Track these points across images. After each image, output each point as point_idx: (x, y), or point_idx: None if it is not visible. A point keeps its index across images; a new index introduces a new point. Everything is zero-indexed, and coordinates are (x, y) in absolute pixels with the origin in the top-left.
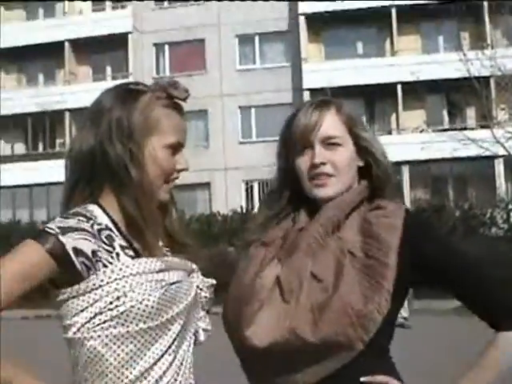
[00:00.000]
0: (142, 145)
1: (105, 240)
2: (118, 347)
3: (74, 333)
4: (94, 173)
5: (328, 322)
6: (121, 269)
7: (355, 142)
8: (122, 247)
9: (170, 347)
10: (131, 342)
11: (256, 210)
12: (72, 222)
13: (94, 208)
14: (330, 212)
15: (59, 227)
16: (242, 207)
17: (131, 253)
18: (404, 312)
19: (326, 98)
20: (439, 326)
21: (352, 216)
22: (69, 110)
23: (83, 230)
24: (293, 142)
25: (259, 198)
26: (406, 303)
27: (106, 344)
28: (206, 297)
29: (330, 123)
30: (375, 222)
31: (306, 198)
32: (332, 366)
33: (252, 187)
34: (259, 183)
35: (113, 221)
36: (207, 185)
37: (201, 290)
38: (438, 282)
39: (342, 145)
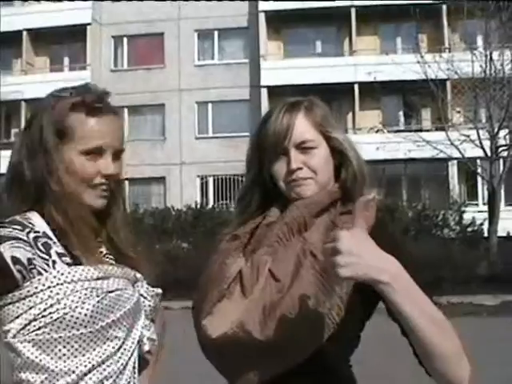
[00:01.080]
0: (57, 154)
1: (41, 247)
2: (52, 351)
3: (11, 337)
4: (22, 186)
5: (276, 321)
6: (55, 276)
7: (327, 142)
8: (59, 254)
9: (110, 355)
10: (64, 347)
11: (210, 205)
12: (7, 231)
13: (32, 215)
14: (296, 211)
15: None
16: (196, 202)
17: (68, 260)
18: None
19: (296, 99)
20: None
21: (321, 217)
22: (25, 101)
23: (18, 238)
24: (266, 148)
25: (214, 194)
26: None
27: (40, 347)
28: (150, 305)
29: (302, 127)
30: (341, 227)
31: (279, 194)
32: (283, 365)
33: (207, 182)
34: (214, 179)
35: (52, 228)
36: (162, 179)
37: (145, 298)
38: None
39: (317, 147)
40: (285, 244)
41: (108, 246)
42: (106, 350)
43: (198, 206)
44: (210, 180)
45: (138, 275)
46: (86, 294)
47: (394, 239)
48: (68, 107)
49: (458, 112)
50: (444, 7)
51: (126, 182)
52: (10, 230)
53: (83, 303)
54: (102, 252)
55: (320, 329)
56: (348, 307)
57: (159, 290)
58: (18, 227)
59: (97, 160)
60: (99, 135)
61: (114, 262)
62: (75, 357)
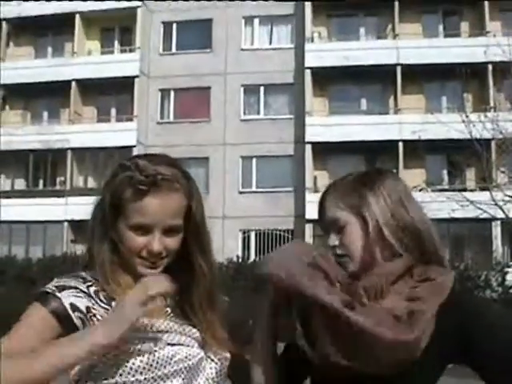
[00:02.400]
0: (113, 225)
1: (102, 299)
2: None
3: (74, 380)
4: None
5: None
6: None
7: (362, 219)
8: None
9: None
10: None
11: (251, 259)
12: (66, 281)
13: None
14: (375, 279)
15: (55, 286)
16: (238, 256)
17: None
18: None
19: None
20: None
21: (398, 285)
22: (71, 149)
23: (76, 288)
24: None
25: (255, 248)
26: None
27: None
28: (216, 368)
29: (331, 208)
30: (421, 291)
31: None
32: None
33: (249, 237)
34: (256, 233)
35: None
36: None
37: (212, 360)
38: (479, 371)
39: (345, 226)
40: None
41: (177, 311)
42: None
43: (240, 260)
44: (252, 234)
45: (208, 339)
46: (144, 343)
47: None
48: (124, 181)
49: (503, 172)
50: (489, 67)
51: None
52: (71, 279)
53: (140, 350)
54: (166, 311)
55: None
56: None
57: (227, 354)
58: (80, 280)
59: (143, 235)
60: (143, 214)
61: (177, 321)
62: None
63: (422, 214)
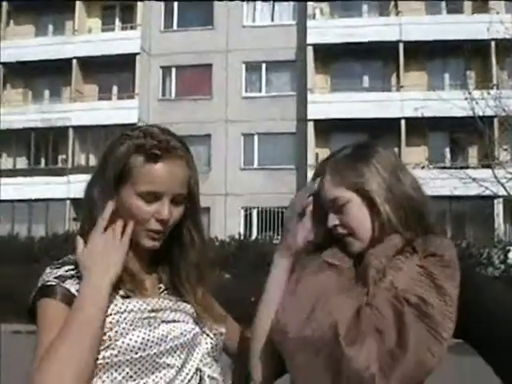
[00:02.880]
0: (117, 193)
1: None
2: (105, 375)
3: None
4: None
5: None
6: (109, 306)
7: (361, 195)
8: (113, 287)
9: None
10: (116, 371)
11: (253, 237)
12: (62, 272)
13: None
14: (375, 261)
15: (56, 277)
16: (240, 234)
17: (122, 292)
18: None
19: (328, 156)
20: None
21: (407, 263)
22: (73, 127)
23: (73, 276)
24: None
25: (257, 225)
26: None
27: (95, 373)
28: (211, 343)
29: (329, 187)
30: (435, 271)
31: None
32: None
33: (251, 214)
34: (258, 210)
35: None
36: (207, 209)
37: (207, 335)
38: (473, 345)
39: (346, 204)
40: (374, 294)
41: (169, 285)
42: (158, 377)
43: (242, 238)
44: (254, 212)
45: (202, 313)
46: (137, 322)
47: (494, 311)
48: (132, 148)
49: (505, 150)
50: (493, 44)
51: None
52: (66, 270)
53: (134, 330)
54: (160, 287)
55: (422, 379)
56: None
57: (223, 329)
58: (71, 267)
59: (152, 203)
60: (155, 181)
61: (171, 298)
62: (127, 381)
63: (416, 186)
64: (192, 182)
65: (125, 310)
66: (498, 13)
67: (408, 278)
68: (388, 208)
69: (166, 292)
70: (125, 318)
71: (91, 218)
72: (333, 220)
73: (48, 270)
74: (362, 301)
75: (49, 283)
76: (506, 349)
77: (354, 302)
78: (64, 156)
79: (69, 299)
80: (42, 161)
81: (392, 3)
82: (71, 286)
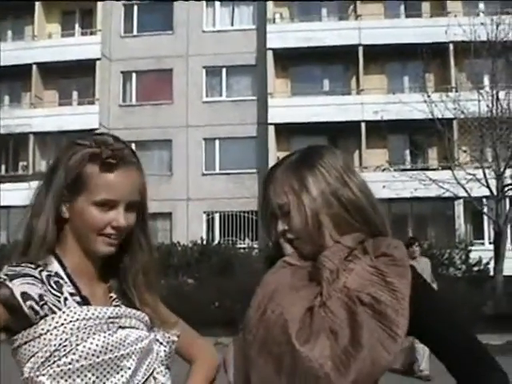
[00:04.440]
0: (71, 201)
1: (53, 285)
2: (67, 382)
3: (28, 373)
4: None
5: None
6: (68, 314)
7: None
8: (70, 294)
9: None
10: (78, 377)
11: (216, 241)
12: (19, 269)
13: (46, 257)
14: (329, 263)
15: (6, 274)
16: (202, 238)
17: (78, 299)
18: (425, 363)
19: (276, 163)
20: None
21: (357, 263)
22: (33, 134)
23: (30, 275)
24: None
25: (220, 230)
26: (427, 354)
27: (56, 380)
28: (165, 351)
29: (273, 194)
30: (386, 270)
31: None
32: None
33: (213, 218)
34: (220, 215)
35: (64, 269)
36: (169, 215)
37: (160, 343)
38: (420, 337)
39: (290, 210)
40: (329, 295)
41: (118, 293)
42: (117, 379)
43: (204, 242)
44: (217, 216)
45: (154, 321)
46: (96, 327)
47: (442, 311)
48: (86, 157)
49: (465, 151)
50: (451, 47)
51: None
52: (23, 267)
53: (94, 334)
54: (111, 297)
55: (380, 374)
56: None
57: (175, 338)
58: (31, 265)
59: (108, 211)
60: (111, 189)
61: (123, 306)
62: None
63: (363, 189)
64: (143, 190)
65: (84, 317)
66: (455, 16)
67: (360, 279)
68: (326, 211)
69: (116, 300)
70: (85, 325)
71: (32, 227)
72: (281, 226)
73: (6, 267)
74: (313, 301)
75: None
76: (456, 344)
77: (304, 302)
78: (25, 163)
79: (9, 301)
80: (3, 167)
81: (351, 7)
82: (18, 286)
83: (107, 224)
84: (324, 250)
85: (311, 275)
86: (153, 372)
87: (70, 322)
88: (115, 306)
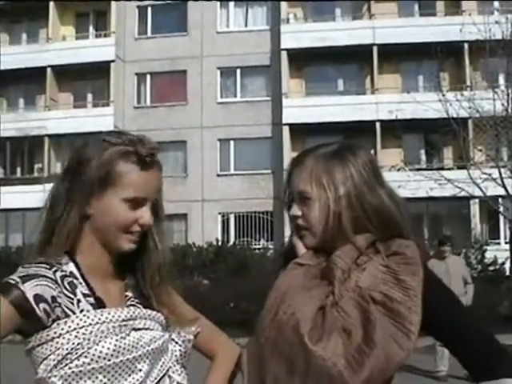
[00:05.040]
0: (99, 197)
1: (67, 286)
2: (77, 382)
3: (41, 374)
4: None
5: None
6: (81, 319)
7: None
8: (84, 294)
9: None
10: (90, 378)
11: (231, 242)
12: (32, 270)
13: (62, 256)
14: (341, 262)
15: (19, 276)
16: (217, 239)
17: (92, 300)
18: (443, 366)
19: (307, 149)
20: None
21: (370, 263)
22: (48, 136)
23: (44, 276)
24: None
25: (235, 231)
26: (446, 354)
27: (66, 380)
28: (180, 350)
29: (299, 178)
30: (398, 268)
31: None
32: None
33: (228, 219)
34: (235, 216)
35: (79, 269)
36: (184, 216)
37: (176, 343)
38: (433, 333)
39: (311, 199)
40: (342, 295)
41: (134, 291)
42: (130, 382)
43: (219, 243)
44: (232, 217)
45: (169, 320)
46: (109, 331)
47: (453, 306)
48: (119, 154)
49: (480, 150)
50: (466, 45)
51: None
52: (37, 268)
53: (106, 338)
54: (127, 296)
55: (392, 373)
56: None
57: (191, 336)
58: (45, 266)
59: (135, 209)
60: (145, 187)
61: (139, 306)
62: None
63: (389, 194)
64: (161, 190)
65: (97, 322)
66: (470, 14)
67: (372, 277)
68: (348, 213)
69: (132, 300)
70: (98, 329)
71: (54, 224)
72: (295, 211)
73: (20, 268)
74: (324, 300)
75: (10, 280)
76: (470, 339)
77: (316, 301)
78: (40, 165)
79: (21, 304)
80: (18, 170)
81: (365, 7)
82: (31, 288)
83: (134, 221)
84: (335, 248)
85: (323, 274)
86: (168, 371)
87: (83, 326)
88: (130, 305)
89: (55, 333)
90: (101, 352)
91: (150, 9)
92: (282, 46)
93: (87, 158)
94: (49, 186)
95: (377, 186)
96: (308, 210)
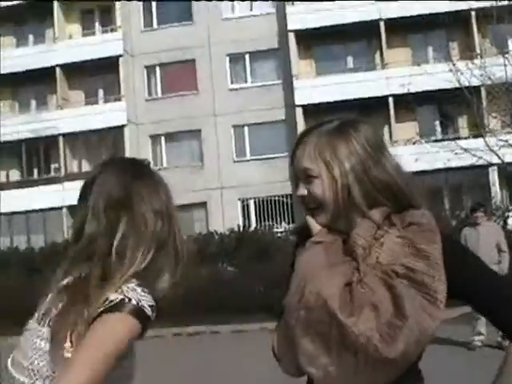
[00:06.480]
0: None
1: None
2: None
3: None
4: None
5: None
6: None
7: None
8: None
9: None
10: None
11: (252, 227)
12: (132, 287)
13: None
14: (361, 240)
15: (131, 296)
16: (238, 226)
17: None
18: (478, 334)
19: (312, 125)
20: None
21: (386, 237)
22: (62, 135)
23: (143, 290)
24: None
25: (255, 215)
26: (483, 321)
27: None
28: None
29: (301, 155)
30: (415, 238)
31: None
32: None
33: (248, 205)
34: (255, 201)
35: None
36: (203, 204)
37: None
38: (466, 299)
39: (317, 176)
40: (366, 272)
41: None
42: None
43: (241, 229)
44: (251, 202)
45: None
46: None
47: (476, 267)
48: None
49: (495, 117)
50: (473, 13)
51: None
52: (136, 284)
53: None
54: None
55: (426, 343)
56: None
57: None
58: (136, 281)
59: None
60: None
61: None
62: None
63: (395, 167)
64: None
65: None
66: None
67: (391, 251)
68: (357, 188)
69: None
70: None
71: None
72: (302, 190)
73: (125, 287)
74: (350, 276)
75: (124, 298)
76: (498, 296)
77: (341, 277)
78: (56, 165)
79: (142, 317)
80: (35, 171)
81: None
82: (145, 302)
83: None
84: (352, 223)
85: (345, 251)
86: None
87: None
88: None
89: None
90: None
91: (154, 1)
92: (289, 28)
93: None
94: (67, 185)
95: (381, 158)
96: (314, 187)
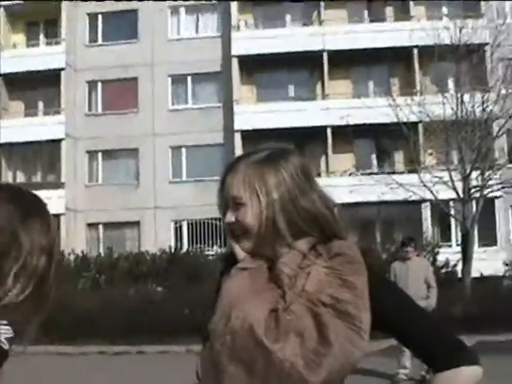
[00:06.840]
0: None
1: None
2: None
3: None
4: None
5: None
6: None
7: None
8: None
9: None
10: None
11: (184, 249)
12: None
13: None
14: (287, 269)
15: None
16: (170, 247)
17: None
18: (403, 368)
19: (246, 152)
20: None
21: (313, 267)
22: (0, 145)
23: None
24: None
25: (188, 238)
26: (408, 354)
27: None
28: None
29: (232, 183)
30: (342, 269)
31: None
32: None
33: (181, 226)
34: (188, 222)
35: None
36: (137, 223)
37: None
38: (387, 330)
39: (245, 204)
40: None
41: None
42: None
43: (173, 250)
44: (184, 224)
45: None
46: None
47: (396, 296)
48: None
49: (431, 154)
50: (415, 51)
51: (100, 226)
52: None
53: None
54: None
55: (348, 372)
56: None
57: None
58: None
59: None
60: None
61: None
62: None
63: (321, 197)
64: None
65: None
66: (419, 20)
67: (318, 281)
68: (283, 217)
69: None
70: None
71: None
72: (229, 217)
73: None
74: (275, 303)
75: None
76: (422, 329)
77: (267, 303)
78: None
79: None
80: None
81: (315, 13)
82: None
83: None
84: (277, 251)
85: (271, 279)
86: None
87: None
88: None
89: None
90: None
91: (100, 16)
92: (233, 53)
93: None
94: None
95: (309, 189)
96: (242, 215)
